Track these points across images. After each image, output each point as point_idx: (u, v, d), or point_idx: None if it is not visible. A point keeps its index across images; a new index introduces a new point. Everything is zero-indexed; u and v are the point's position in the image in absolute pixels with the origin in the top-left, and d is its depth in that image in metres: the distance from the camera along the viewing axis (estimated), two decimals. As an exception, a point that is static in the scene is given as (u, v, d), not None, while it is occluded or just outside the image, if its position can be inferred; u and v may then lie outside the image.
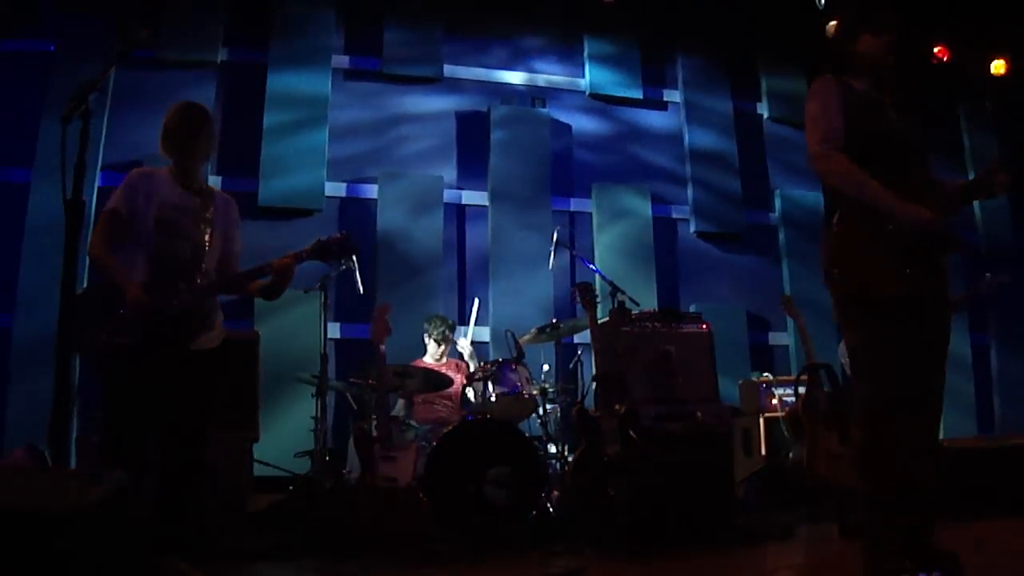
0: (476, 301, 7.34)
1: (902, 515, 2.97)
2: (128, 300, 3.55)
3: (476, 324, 7.37)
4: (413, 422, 6.15)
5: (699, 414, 5.53)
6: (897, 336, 3.03)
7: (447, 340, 6.76)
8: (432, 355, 6.72)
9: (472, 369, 6.59)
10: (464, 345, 6.88)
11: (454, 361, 6.83)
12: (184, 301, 3.69)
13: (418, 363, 6.62)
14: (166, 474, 3.63)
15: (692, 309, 8.25)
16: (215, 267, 3.91)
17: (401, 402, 6.47)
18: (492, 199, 8.20)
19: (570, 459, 5.68)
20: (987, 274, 6.49)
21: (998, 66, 9.02)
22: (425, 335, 6.77)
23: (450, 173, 8.29)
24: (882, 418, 3.04)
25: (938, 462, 3.13)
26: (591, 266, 7.01)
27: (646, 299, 7.64)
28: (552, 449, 5.91)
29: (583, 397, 6.20)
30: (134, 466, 3.44)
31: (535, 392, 5.91)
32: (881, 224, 3.04)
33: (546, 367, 6.34)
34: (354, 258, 6.21)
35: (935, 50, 8.73)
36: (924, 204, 3.06)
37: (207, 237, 3.86)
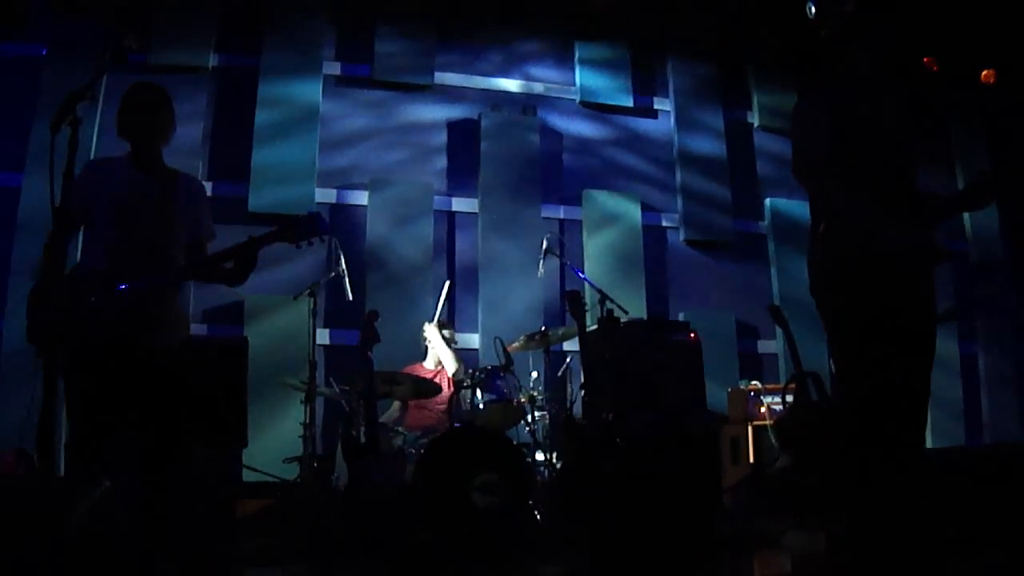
0: (447, 284, 7.07)
1: (888, 524, 2.99)
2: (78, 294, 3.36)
3: (465, 331, 7.39)
4: (402, 428, 6.17)
5: (687, 422, 5.55)
6: (882, 349, 3.05)
7: (451, 340, 6.81)
8: (433, 359, 6.75)
9: (448, 358, 6.62)
10: (430, 333, 6.75)
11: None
12: (139, 291, 3.43)
13: (417, 367, 6.68)
14: (137, 479, 3.43)
15: (681, 317, 8.27)
16: (183, 253, 3.71)
17: (396, 404, 6.49)
18: (482, 206, 8.21)
19: (558, 467, 5.70)
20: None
21: (987, 74, 9.06)
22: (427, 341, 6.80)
23: (440, 180, 8.29)
24: (867, 430, 3.05)
25: (924, 471, 3.15)
26: (580, 274, 7.03)
27: (635, 307, 7.66)
28: (540, 457, 5.91)
29: (571, 405, 6.22)
30: (101, 470, 3.32)
31: (523, 400, 5.92)
32: (866, 238, 3.05)
33: (535, 374, 6.36)
34: (343, 264, 6.22)
35: (924, 60, 8.77)
36: (911, 215, 3.08)
37: (169, 222, 3.64)
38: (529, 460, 5.63)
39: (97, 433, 3.38)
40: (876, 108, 3.30)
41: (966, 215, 9.46)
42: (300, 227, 3.72)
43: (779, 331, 7.59)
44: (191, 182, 3.88)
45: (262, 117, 7.70)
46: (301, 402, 5.83)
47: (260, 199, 7.51)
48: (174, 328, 3.64)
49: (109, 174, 3.62)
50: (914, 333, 3.12)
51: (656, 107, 9.22)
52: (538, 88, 8.88)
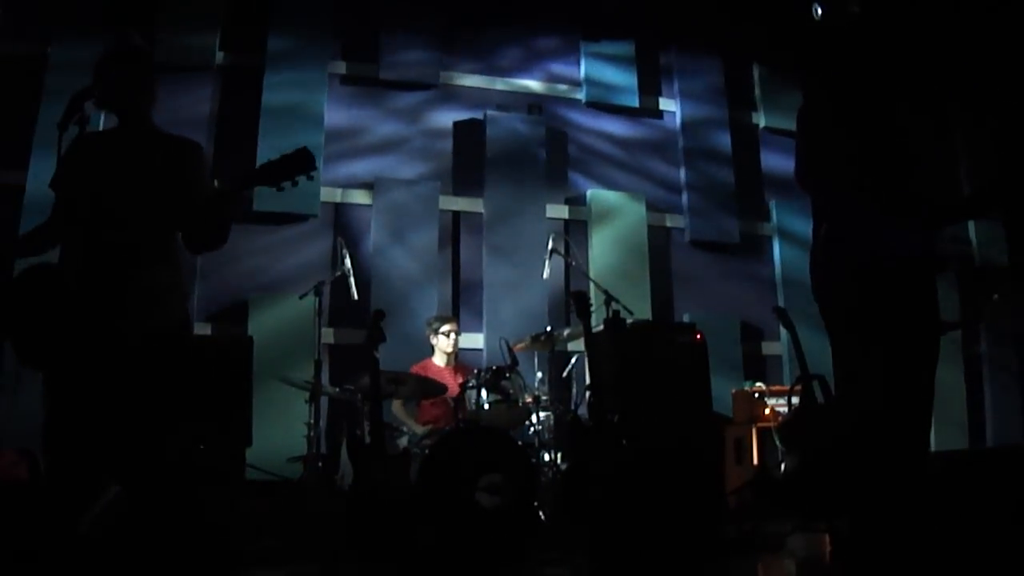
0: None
1: (891, 527, 2.98)
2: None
3: (470, 332, 7.40)
4: (404, 428, 6.17)
5: (691, 424, 5.54)
6: (884, 354, 3.03)
7: (457, 333, 6.86)
8: (444, 348, 6.79)
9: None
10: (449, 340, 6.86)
11: (463, 365, 6.85)
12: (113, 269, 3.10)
13: (429, 363, 6.75)
14: (125, 482, 3.14)
15: (686, 318, 8.28)
16: (177, 222, 3.31)
17: (397, 402, 6.48)
18: (487, 206, 8.21)
19: (563, 467, 5.69)
20: (994, 296, 6.49)
21: None
22: (431, 335, 6.84)
23: (445, 179, 8.28)
24: (869, 434, 3.04)
25: (927, 475, 3.14)
26: (586, 274, 7.01)
27: (640, 308, 7.64)
28: (545, 457, 5.90)
29: (576, 406, 6.20)
30: (76, 472, 3.03)
31: (528, 400, 5.91)
32: (868, 244, 3.04)
33: (539, 375, 6.35)
34: (348, 263, 6.21)
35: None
36: (916, 221, 3.06)
37: (157, 190, 3.25)
38: (534, 461, 5.62)
39: (81, 429, 3.03)
40: (880, 111, 3.28)
41: (967, 217, 9.45)
42: (285, 165, 3.20)
43: (784, 333, 7.58)
44: (183, 146, 3.48)
45: (267, 115, 7.69)
46: (305, 401, 5.83)
47: (265, 198, 7.49)
48: (160, 308, 3.22)
49: (88, 151, 3.31)
50: (916, 338, 3.09)
51: (662, 107, 9.22)
52: (544, 88, 8.88)
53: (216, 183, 3.40)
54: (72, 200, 3.25)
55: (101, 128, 7.04)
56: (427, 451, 5.26)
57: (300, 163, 3.16)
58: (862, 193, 3.09)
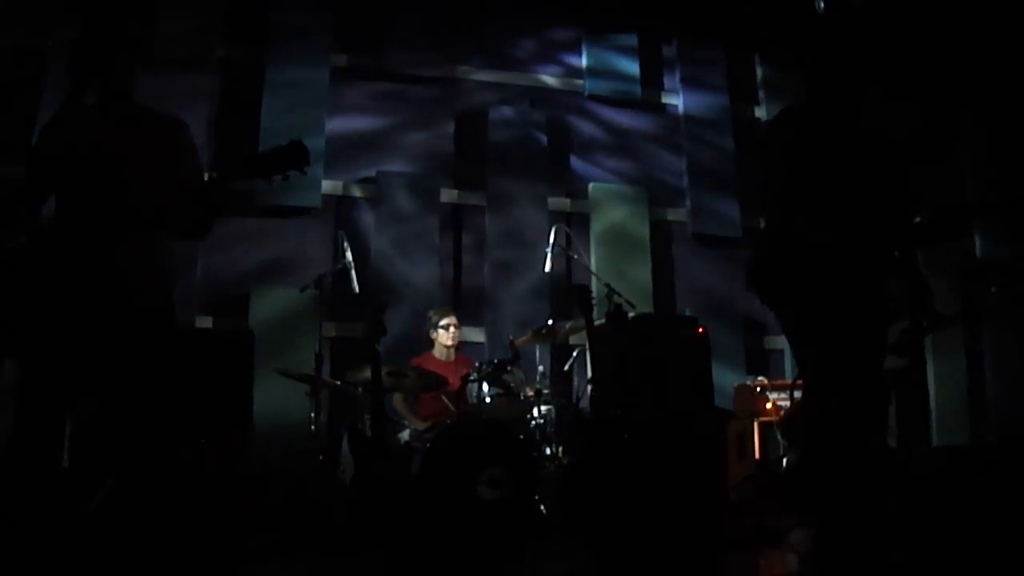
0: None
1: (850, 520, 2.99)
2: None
3: (471, 325, 7.36)
4: (407, 421, 6.16)
5: (693, 418, 5.53)
6: (825, 352, 3.04)
7: (457, 327, 6.81)
8: (444, 342, 6.74)
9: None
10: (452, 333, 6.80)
11: (463, 358, 6.84)
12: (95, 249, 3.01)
13: (429, 356, 6.70)
14: (119, 473, 3.10)
15: (688, 312, 8.26)
16: (160, 201, 3.18)
17: (398, 396, 6.46)
18: (489, 199, 8.19)
19: (564, 461, 5.69)
20: (993, 289, 6.48)
21: None
22: (431, 329, 6.80)
23: (447, 172, 8.27)
24: (821, 431, 3.05)
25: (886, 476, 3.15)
26: (588, 268, 6.99)
27: (642, 301, 7.63)
28: (546, 451, 5.90)
29: (578, 400, 6.20)
30: (45, 460, 2.98)
31: (530, 394, 5.90)
32: (811, 244, 3.05)
33: (541, 368, 6.34)
34: (349, 256, 6.20)
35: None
36: (868, 237, 3.06)
37: (142, 170, 3.15)
38: (535, 454, 5.62)
39: (42, 416, 2.98)
40: (863, 116, 3.26)
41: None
42: (277, 158, 3.15)
43: (786, 326, 7.56)
44: (170, 123, 3.40)
45: (268, 108, 7.67)
46: (307, 394, 5.82)
47: (267, 191, 7.48)
48: (150, 285, 3.16)
49: (66, 129, 3.19)
50: (862, 337, 3.07)
51: (664, 100, 9.19)
52: (546, 81, 8.85)
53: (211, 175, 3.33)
54: (53, 176, 3.16)
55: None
56: (428, 444, 5.25)
57: (293, 157, 3.10)
58: (816, 215, 3.09)
